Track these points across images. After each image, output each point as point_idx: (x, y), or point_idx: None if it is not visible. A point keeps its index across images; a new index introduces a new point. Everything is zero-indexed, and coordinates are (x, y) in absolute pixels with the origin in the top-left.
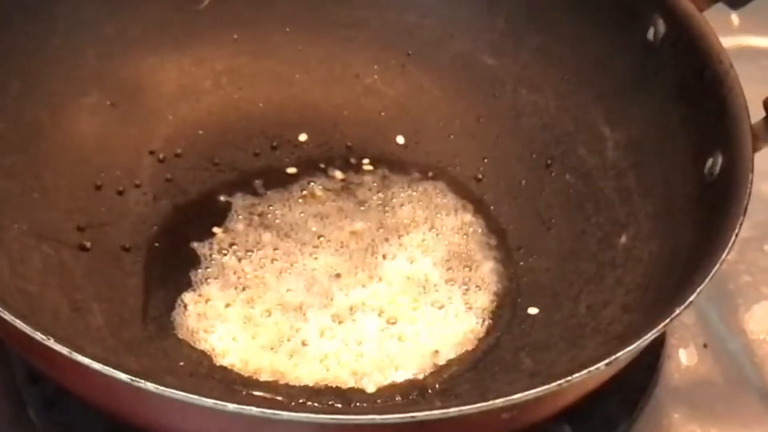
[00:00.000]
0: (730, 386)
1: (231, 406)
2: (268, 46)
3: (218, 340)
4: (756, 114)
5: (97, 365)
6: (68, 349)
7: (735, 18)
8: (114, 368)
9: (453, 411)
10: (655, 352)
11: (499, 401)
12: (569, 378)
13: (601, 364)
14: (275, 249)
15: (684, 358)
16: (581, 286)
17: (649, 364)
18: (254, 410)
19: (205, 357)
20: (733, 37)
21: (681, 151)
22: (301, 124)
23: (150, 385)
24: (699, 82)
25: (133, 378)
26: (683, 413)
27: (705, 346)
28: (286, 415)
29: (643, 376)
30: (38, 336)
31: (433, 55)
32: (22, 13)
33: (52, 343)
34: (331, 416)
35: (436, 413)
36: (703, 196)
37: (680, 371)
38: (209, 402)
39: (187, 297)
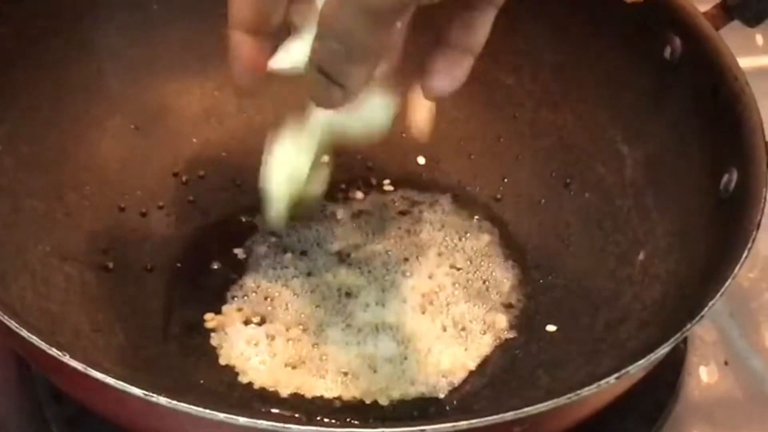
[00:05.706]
0: (750, 403)
1: (242, 420)
2: None
3: (238, 358)
4: None
5: (110, 380)
6: (83, 365)
7: (759, 38)
8: (127, 383)
9: (463, 424)
10: (675, 368)
11: (508, 414)
12: (579, 392)
13: (610, 378)
14: (296, 269)
15: (705, 375)
16: (599, 303)
17: (669, 381)
18: (264, 424)
19: (225, 375)
20: (757, 57)
21: (697, 168)
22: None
23: (162, 400)
24: (714, 100)
25: (146, 393)
26: (703, 430)
27: (726, 363)
28: (295, 428)
29: (662, 392)
30: (54, 352)
31: None
32: (50, 39)
33: (67, 360)
34: (340, 431)
35: (446, 426)
36: (718, 212)
37: (701, 388)
38: (221, 416)
39: (208, 316)
